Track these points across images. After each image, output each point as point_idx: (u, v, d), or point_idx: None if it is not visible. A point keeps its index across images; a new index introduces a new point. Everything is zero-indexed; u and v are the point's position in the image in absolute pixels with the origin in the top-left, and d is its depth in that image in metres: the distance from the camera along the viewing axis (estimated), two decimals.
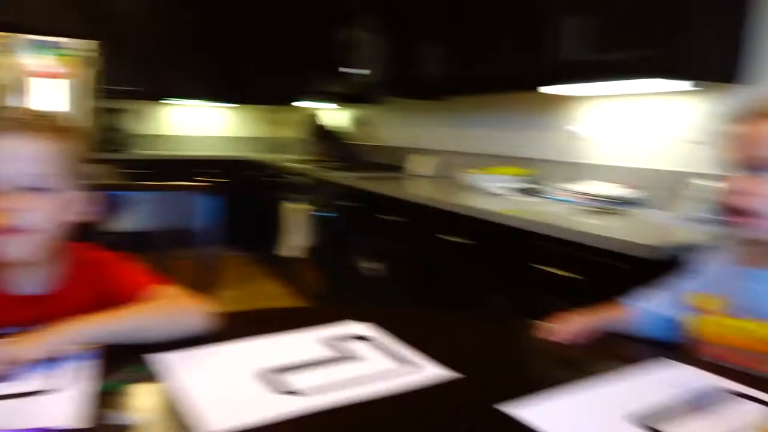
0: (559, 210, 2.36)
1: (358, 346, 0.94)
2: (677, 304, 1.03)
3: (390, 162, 4.34)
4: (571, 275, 1.94)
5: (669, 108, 2.41)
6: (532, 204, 2.55)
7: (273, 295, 4.27)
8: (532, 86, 2.76)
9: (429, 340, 0.98)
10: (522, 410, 0.72)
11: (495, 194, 2.83)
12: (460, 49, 3.09)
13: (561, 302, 1.97)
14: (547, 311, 1.99)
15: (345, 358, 0.90)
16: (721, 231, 1.01)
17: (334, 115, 5.24)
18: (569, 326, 1.00)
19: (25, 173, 0.90)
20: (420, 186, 3.36)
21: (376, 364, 0.88)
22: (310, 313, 1.05)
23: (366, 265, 3.30)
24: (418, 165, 3.92)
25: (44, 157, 0.91)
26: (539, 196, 2.74)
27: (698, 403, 0.73)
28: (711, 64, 2.07)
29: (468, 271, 2.49)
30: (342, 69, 4.02)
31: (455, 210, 2.55)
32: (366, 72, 3.81)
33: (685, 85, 2.14)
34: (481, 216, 2.37)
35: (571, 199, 2.52)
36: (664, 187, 2.39)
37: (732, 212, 0.91)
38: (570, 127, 2.89)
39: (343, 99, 4.81)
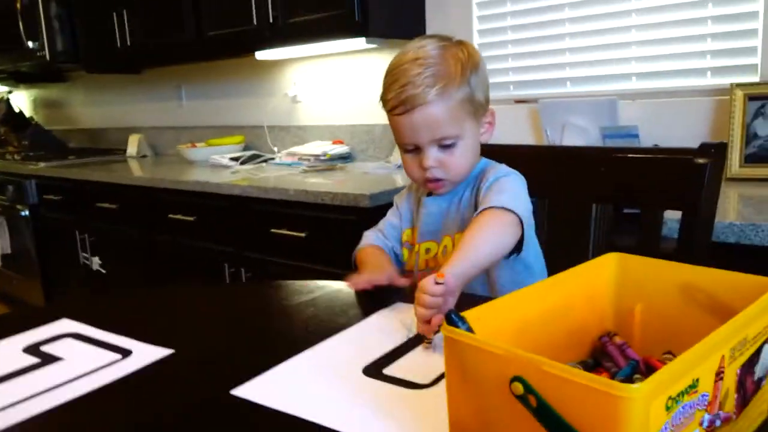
0: (283, 174, 2.42)
1: (65, 345, 0.85)
2: (393, 240, 1.14)
3: (94, 145, 3.93)
4: (299, 234, 2.02)
5: (361, 64, 2.61)
6: (255, 171, 2.56)
7: None
8: (236, 52, 2.73)
9: (143, 322, 0.93)
10: (244, 388, 0.68)
11: (217, 166, 2.77)
12: (153, 16, 2.89)
13: (296, 262, 2.09)
14: (290, 274, 2.04)
15: (48, 361, 0.81)
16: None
17: (24, 98, 4.51)
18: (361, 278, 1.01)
19: None
20: (135, 167, 3.11)
21: (84, 360, 0.80)
22: (10, 319, 0.90)
23: (87, 260, 2.98)
24: (129, 145, 3.63)
25: None
26: (262, 163, 2.76)
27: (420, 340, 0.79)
28: (390, 23, 2.28)
29: (199, 247, 2.42)
30: (18, 42, 3.46)
31: (176, 187, 2.44)
32: (40, 45, 3.32)
33: (362, 42, 2.31)
34: (207, 189, 2.30)
35: (293, 162, 2.60)
36: (368, 139, 2.61)
37: (426, 182, 1.02)
38: (285, 92, 2.95)
39: (25, 78, 4.16)
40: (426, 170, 0.99)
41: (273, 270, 2.14)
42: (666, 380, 0.40)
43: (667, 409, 0.40)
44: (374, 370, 0.71)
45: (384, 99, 0.98)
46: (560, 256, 1.17)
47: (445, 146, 0.97)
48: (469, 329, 0.49)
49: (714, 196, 1.03)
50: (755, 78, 1.74)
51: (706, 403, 0.44)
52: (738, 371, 0.48)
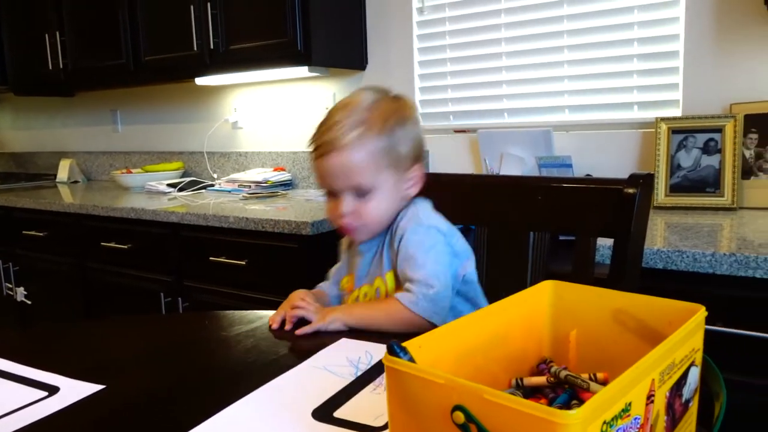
0: (223, 201, 2.38)
1: None
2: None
3: (21, 170, 3.76)
4: (239, 262, 1.98)
5: (303, 92, 2.61)
6: (194, 198, 2.51)
7: None
8: (175, 77, 2.69)
9: (72, 356, 0.89)
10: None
11: (154, 192, 2.70)
12: (87, 39, 2.82)
13: (236, 290, 2.05)
14: (224, 302, 1.98)
15: None
16: None
17: None
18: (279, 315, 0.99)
19: None
20: (64, 193, 2.99)
21: (6, 399, 0.75)
22: None
23: (13, 292, 2.82)
24: (59, 171, 3.49)
25: None
26: (201, 190, 2.71)
27: (369, 378, 0.77)
28: (332, 52, 2.30)
29: (133, 276, 2.33)
30: None
31: (109, 214, 2.35)
32: None
33: (305, 70, 2.33)
34: (140, 216, 2.23)
35: (233, 189, 2.56)
36: (310, 166, 2.60)
37: (340, 228, 1.03)
38: (225, 118, 2.91)
39: None
40: (341, 216, 0.99)
41: (212, 299, 2.09)
42: (601, 405, 0.41)
43: None
44: (324, 413, 0.68)
45: (310, 143, 0.99)
46: (499, 281, 1.19)
47: (360, 195, 0.97)
48: (411, 359, 0.49)
49: (643, 223, 1.07)
50: (678, 112, 1.85)
51: (638, 426, 0.45)
52: (667, 394, 0.49)
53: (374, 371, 0.79)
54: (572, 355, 0.64)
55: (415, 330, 0.82)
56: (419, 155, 1.03)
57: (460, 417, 0.42)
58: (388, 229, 1.04)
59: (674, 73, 1.86)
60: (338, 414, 0.68)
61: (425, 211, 1.03)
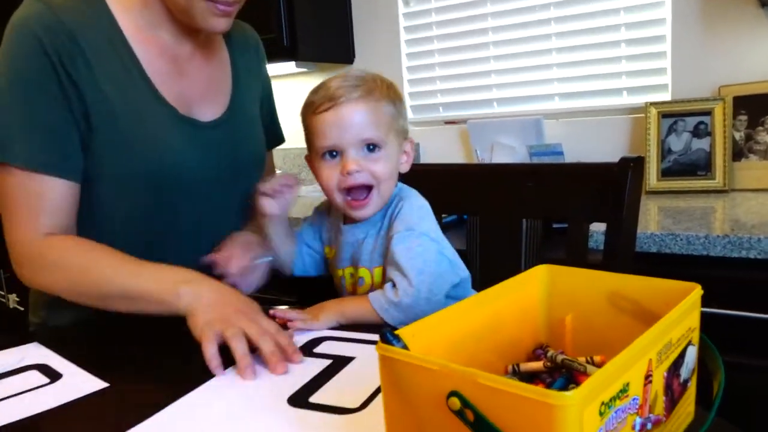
0: None
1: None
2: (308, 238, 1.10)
3: None
4: None
5: (291, 88, 2.60)
6: None
7: None
8: None
9: (89, 351, 0.89)
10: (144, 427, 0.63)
11: None
12: None
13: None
14: None
15: None
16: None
17: None
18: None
19: None
20: None
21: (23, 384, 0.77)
22: None
23: (2, 298, 2.80)
24: None
25: None
26: None
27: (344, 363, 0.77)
28: (319, 46, 2.28)
29: None
30: None
31: None
32: None
33: (292, 66, 2.31)
34: None
35: None
36: (301, 163, 2.59)
37: (348, 192, 0.95)
38: None
39: None
40: (348, 175, 0.92)
41: None
42: (598, 386, 0.40)
43: (601, 414, 0.40)
44: (300, 398, 0.68)
45: (309, 103, 0.95)
46: (493, 271, 1.19)
47: (368, 151, 0.92)
48: (405, 347, 0.49)
49: (635, 207, 1.07)
50: (667, 97, 1.85)
51: (637, 406, 0.45)
52: (665, 374, 0.49)
53: (343, 357, 0.79)
54: (568, 339, 0.63)
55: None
56: (408, 131, 1.02)
57: (455, 403, 0.42)
58: (381, 221, 0.99)
59: (662, 58, 1.85)
60: (314, 399, 0.67)
61: (420, 213, 0.97)
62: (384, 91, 0.95)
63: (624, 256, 1.06)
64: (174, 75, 1.01)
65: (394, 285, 0.91)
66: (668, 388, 0.49)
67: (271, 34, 2.16)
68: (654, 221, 1.46)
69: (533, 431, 0.39)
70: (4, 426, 0.67)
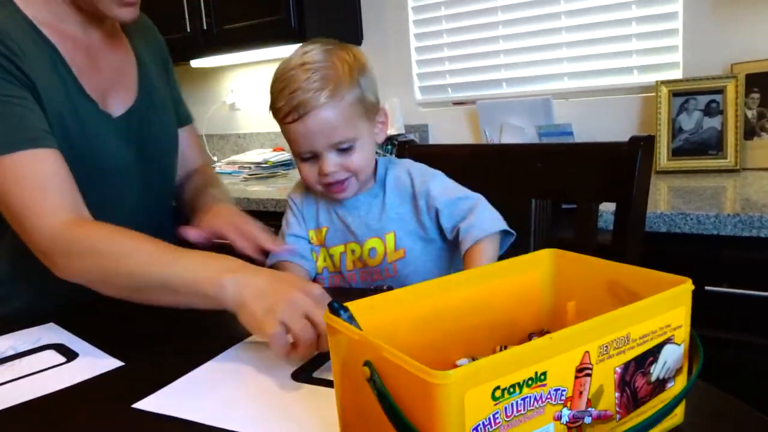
0: (224, 182, 2.36)
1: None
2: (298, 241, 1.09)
3: None
4: None
5: None
6: None
7: None
8: (174, 60, 2.66)
9: (104, 331, 0.90)
10: (150, 401, 0.66)
11: None
12: None
13: None
14: None
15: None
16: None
17: None
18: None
19: None
20: None
21: (39, 364, 0.79)
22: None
23: None
24: None
25: None
26: None
27: None
28: (326, 28, 2.27)
29: None
30: None
31: None
32: None
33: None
34: None
35: (233, 171, 2.55)
36: None
37: (327, 187, 0.99)
38: (224, 99, 2.89)
39: None
40: (326, 176, 0.96)
41: None
42: (487, 370, 0.41)
43: (495, 398, 0.41)
44: (304, 374, 0.69)
45: (274, 108, 0.95)
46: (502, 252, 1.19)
47: (342, 150, 0.96)
48: (350, 318, 0.50)
49: (645, 186, 1.07)
50: (678, 75, 1.83)
51: (563, 397, 0.44)
52: (618, 369, 0.47)
53: None
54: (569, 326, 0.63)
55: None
56: (378, 99, 1.02)
57: (366, 372, 0.44)
58: (381, 190, 1.03)
59: (674, 35, 1.83)
60: (318, 374, 0.69)
61: (423, 166, 1.05)
62: (347, 78, 0.94)
63: (633, 236, 1.06)
64: (92, 68, 1.02)
65: (471, 211, 0.96)
66: (624, 384, 0.48)
67: (278, 15, 2.15)
68: (664, 201, 1.46)
69: (418, 405, 0.41)
70: (22, 404, 0.68)
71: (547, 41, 2.04)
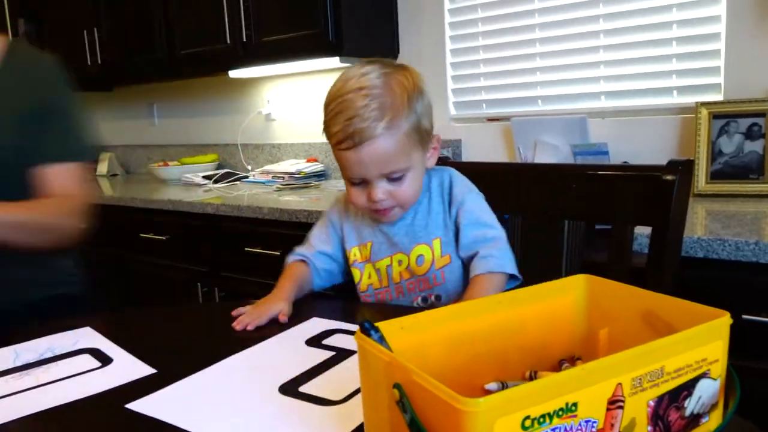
0: (257, 192, 2.40)
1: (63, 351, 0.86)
2: (327, 255, 1.11)
3: None
4: (274, 252, 2.00)
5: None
6: (228, 190, 2.54)
7: None
8: (208, 71, 2.72)
9: (138, 338, 0.92)
10: (143, 403, 0.69)
11: (190, 185, 2.74)
12: (124, 35, 2.87)
13: (271, 280, 2.06)
14: (265, 293, 2.01)
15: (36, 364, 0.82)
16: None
17: None
18: (256, 312, 0.96)
19: None
20: (106, 186, 3.06)
21: (73, 368, 0.81)
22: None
23: None
24: (99, 164, 3.57)
25: None
26: (236, 181, 2.74)
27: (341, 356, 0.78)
28: (363, 42, 2.29)
29: (176, 267, 2.38)
30: None
31: (148, 206, 2.40)
32: None
33: (336, 61, 2.31)
34: (181, 208, 2.28)
35: (267, 180, 2.58)
36: None
37: (374, 213, 1.00)
38: (259, 110, 2.94)
39: None
40: (375, 203, 0.97)
41: (248, 289, 2.12)
42: (518, 399, 0.40)
43: (525, 428, 0.40)
44: (290, 388, 0.70)
45: (329, 132, 0.95)
46: (533, 271, 1.18)
47: (393, 179, 0.95)
48: (381, 338, 0.50)
49: (682, 211, 1.05)
50: (719, 97, 1.79)
51: (593, 429, 0.44)
52: (651, 403, 0.47)
53: (346, 350, 0.81)
54: (602, 354, 0.62)
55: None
56: (433, 124, 1.01)
57: (396, 394, 0.44)
58: (427, 196, 1.04)
59: (715, 57, 1.80)
60: (304, 389, 0.70)
61: (467, 180, 1.06)
62: (405, 106, 0.92)
63: (669, 261, 1.04)
64: None
65: (487, 242, 0.97)
66: (657, 418, 0.47)
67: (316, 29, 2.18)
68: (701, 225, 1.43)
69: (447, 431, 0.41)
70: (56, 407, 0.70)
71: (585, 59, 2.02)
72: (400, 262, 1.04)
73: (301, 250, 1.13)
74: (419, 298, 1.05)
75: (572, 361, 0.62)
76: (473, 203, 1.01)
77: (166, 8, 2.66)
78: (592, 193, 1.14)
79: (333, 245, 1.11)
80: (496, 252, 0.97)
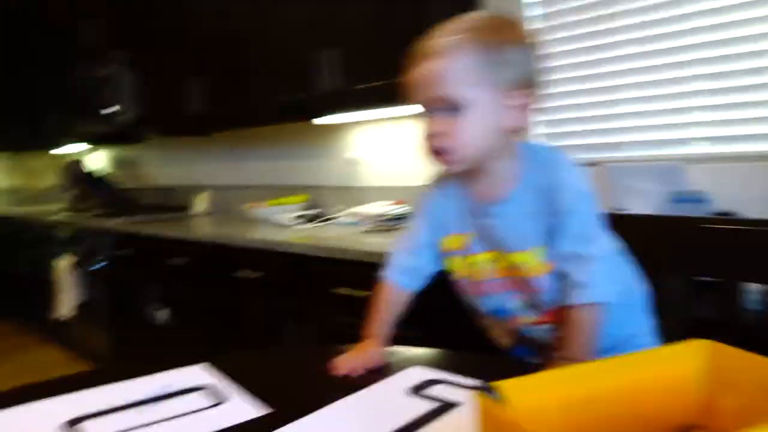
0: (345, 233, 2.46)
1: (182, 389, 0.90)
2: (423, 250, 1.05)
3: (164, 203, 4.11)
4: (362, 293, 2.03)
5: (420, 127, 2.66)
6: (318, 230, 2.62)
7: (50, 363, 3.76)
8: (298, 118, 2.85)
9: (258, 377, 0.96)
10: None
11: (281, 225, 2.85)
12: (220, 83, 3.06)
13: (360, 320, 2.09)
14: (351, 334, 2.05)
15: (159, 399, 0.87)
16: (441, 171, 1.01)
17: (97, 159, 4.80)
18: (355, 360, 0.96)
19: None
20: (202, 224, 3.23)
21: (190, 405, 0.85)
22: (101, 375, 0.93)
23: (154, 315, 3.08)
24: (197, 203, 3.78)
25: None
26: (324, 223, 2.83)
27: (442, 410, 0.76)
28: None
29: (265, 305, 2.46)
30: (97, 108, 3.70)
31: (245, 245, 2.51)
32: (121, 110, 3.53)
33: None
34: (271, 247, 2.37)
35: (353, 222, 2.65)
36: None
37: (431, 153, 0.92)
38: (347, 154, 3.04)
39: (102, 140, 4.43)
40: (429, 137, 0.89)
41: (337, 329, 2.15)
42: None
43: None
44: None
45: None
46: None
47: (452, 112, 0.86)
48: (501, 398, 0.50)
49: None
50: None
51: None
52: None
53: (448, 405, 0.79)
54: (727, 424, 0.59)
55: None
56: (532, 83, 0.90)
57: None
58: (529, 192, 0.94)
59: None
60: None
61: (577, 170, 0.94)
62: (489, 37, 0.84)
63: None
64: None
65: (582, 258, 0.89)
66: None
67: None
68: None
69: None
70: None
71: (684, 104, 1.97)
72: (499, 260, 0.97)
73: (396, 260, 1.09)
74: (518, 298, 0.99)
75: (689, 430, 0.60)
76: (581, 215, 0.92)
77: (262, 59, 2.82)
78: (700, 244, 1.11)
79: (426, 237, 1.05)
80: (589, 278, 0.89)
